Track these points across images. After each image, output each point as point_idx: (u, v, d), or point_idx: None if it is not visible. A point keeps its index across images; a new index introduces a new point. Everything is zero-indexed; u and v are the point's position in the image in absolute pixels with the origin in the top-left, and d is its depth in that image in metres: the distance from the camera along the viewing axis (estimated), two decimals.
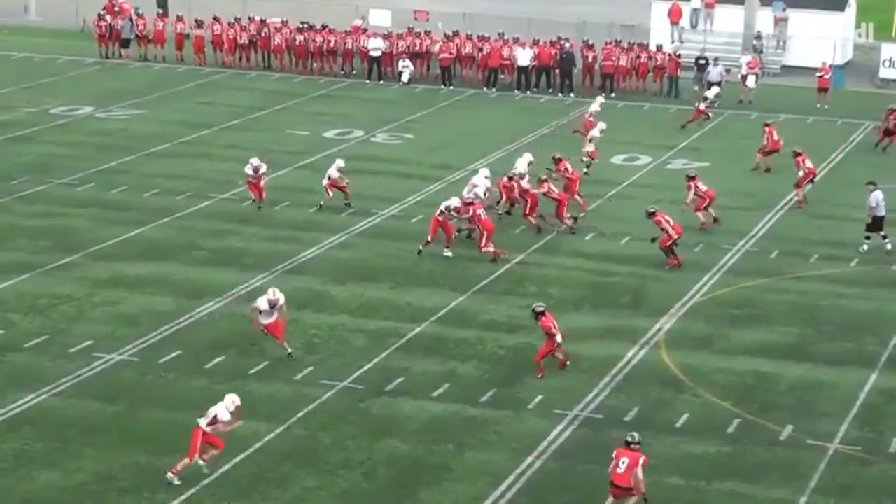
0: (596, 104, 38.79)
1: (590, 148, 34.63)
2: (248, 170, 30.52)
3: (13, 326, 24.17)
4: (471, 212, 28.26)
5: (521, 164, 31.87)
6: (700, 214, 30.78)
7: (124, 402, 21.31)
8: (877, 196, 29.98)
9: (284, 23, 47.10)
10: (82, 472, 18.74)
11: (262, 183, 30.99)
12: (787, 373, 23.76)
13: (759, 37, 47.30)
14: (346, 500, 18.41)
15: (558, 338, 22.95)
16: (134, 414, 20.88)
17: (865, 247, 30.36)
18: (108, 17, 48.02)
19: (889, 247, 29.93)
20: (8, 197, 32.17)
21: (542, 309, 22.83)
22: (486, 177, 30.55)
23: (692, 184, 31.03)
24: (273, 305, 22.27)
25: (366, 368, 23.04)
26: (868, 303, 27.49)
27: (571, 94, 43.49)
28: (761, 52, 46.38)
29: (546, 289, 27.49)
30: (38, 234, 29.44)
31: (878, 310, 27.04)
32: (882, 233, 30.16)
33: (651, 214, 28.40)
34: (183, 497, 18.12)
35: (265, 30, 46.65)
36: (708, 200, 30.64)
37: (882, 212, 30.22)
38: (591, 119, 37.03)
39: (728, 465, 20.30)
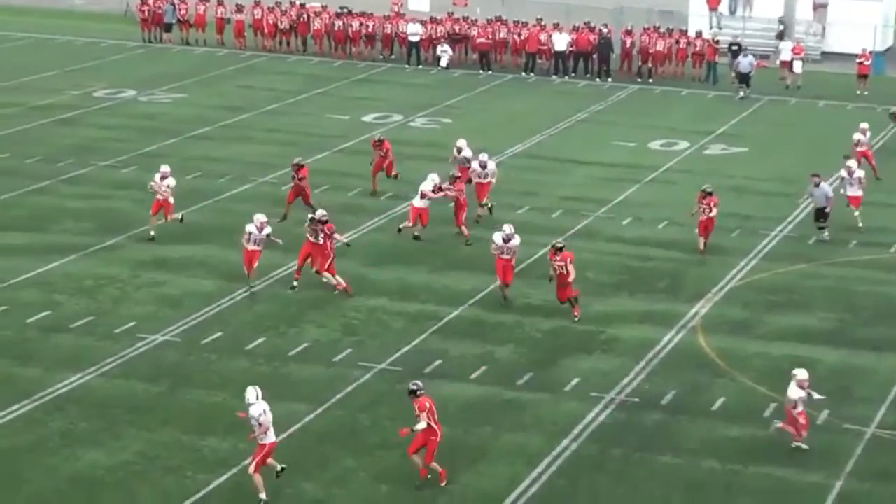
0: (859, 132, 33.88)
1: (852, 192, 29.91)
2: (157, 177, 27.10)
3: (59, 307, 24.61)
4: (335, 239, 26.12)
5: (426, 185, 28.78)
6: (702, 239, 28.96)
7: (167, 382, 21.58)
8: (822, 189, 30.14)
9: (324, 8, 48.11)
10: (126, 451, 19.04)
11: (170, 199, 26.68)
12: (825, 358, 23.85)
13: (781, 22, 47.43)
14: (385, 481, 18.55)
15: (427, 426, 18.62)
16: (177, 394, 21.22)
17: (826, 234, 30.36)
18: (150, 2, 49.07)
19: (818, 237, 29.90)
20: (53, 179, 32.69)
21: (415, 388, 19.03)
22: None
23: (709, 201, 28.32)
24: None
25: (404, 351, 23.28)
26: None
27: (609, 80, 44.30)
28: (781, 37, 45.89)
29: (584, 273, 27.83)
30: (83, 216, 29.99)
31: None
32: (823, 224, 30.45)
33: (559, 250, 26.36)
34: (224, 477, 18.29)
35: (304, 14, 47.35)
36: (709, 228, 28.89)
37: (824, 203, 30.33)
38: (862, 149, 33.73)
39: (764, 449, 20.48)
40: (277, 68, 45.67)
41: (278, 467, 18.80)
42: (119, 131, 37.21)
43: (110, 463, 18.82)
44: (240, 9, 48.04)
